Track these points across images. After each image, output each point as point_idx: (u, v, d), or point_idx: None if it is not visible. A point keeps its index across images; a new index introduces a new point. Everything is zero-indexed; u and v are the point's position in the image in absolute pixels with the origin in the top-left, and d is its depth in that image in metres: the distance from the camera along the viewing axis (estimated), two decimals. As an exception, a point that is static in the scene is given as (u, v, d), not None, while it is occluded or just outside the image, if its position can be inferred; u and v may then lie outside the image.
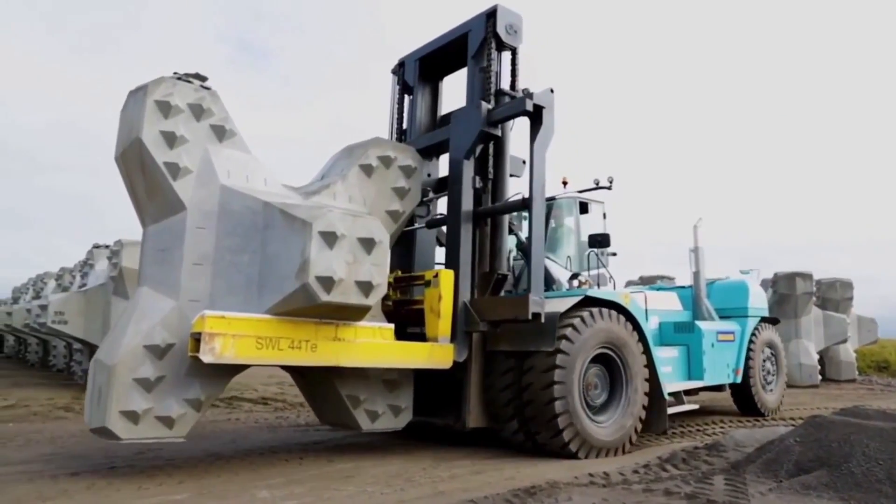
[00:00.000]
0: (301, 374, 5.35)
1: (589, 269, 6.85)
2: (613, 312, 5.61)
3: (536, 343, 5.16)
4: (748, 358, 7.97)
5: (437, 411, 5.81)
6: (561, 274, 6.88)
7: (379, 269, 4.42)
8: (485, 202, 5.72)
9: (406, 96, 6.90)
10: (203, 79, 4.77)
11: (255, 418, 7.65)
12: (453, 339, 5.25)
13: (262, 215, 4.49)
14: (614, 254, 7.41)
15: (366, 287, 4.32)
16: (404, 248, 6.63)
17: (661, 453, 5.09)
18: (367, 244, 4.38)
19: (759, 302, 8.50)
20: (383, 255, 4.47)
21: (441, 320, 5.19)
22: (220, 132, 4.68)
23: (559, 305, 5.31)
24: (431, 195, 6.25)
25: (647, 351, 5.94)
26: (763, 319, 8.55)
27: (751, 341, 8.10)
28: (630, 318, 5.86)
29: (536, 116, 5.34)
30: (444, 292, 5.22)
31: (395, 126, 6.83)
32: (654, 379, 6.02)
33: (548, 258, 7.01)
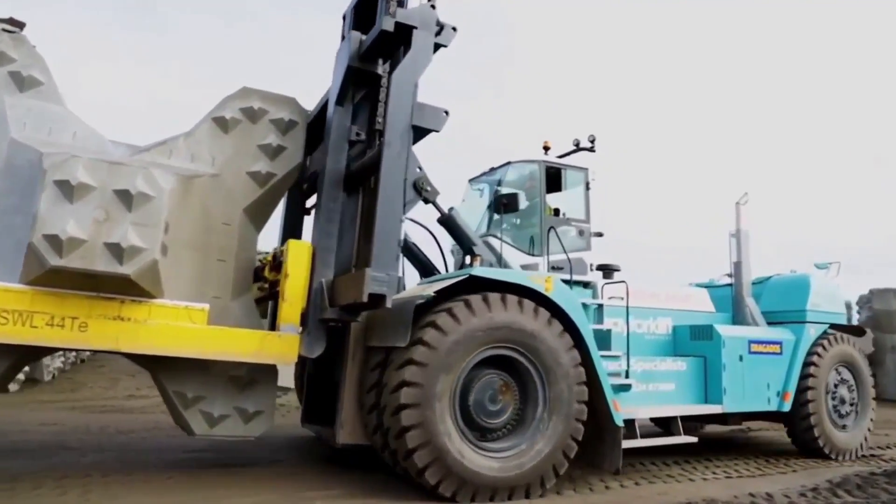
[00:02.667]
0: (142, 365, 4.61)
1: (547, 252, 5.32)
2: (515, 299, 4.11)
3: (392, 337, 3.92)
4: (805, 378, 5.77)
5: (330, 420, 4.76)
6: (515, 258, 5.45)
7: (143, 231, 3.52)
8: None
9: (348, 54, 6.00)
10: (18, 24, 4.26)
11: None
12: (304, 327, 4.19)
13: (39, 169, 3.83)
14: (600, 234, 5.78)
15: (117, 251, 3.45)
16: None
17: (831, 476, 4.73)
18: (127, 199, 3.51)
19: (825, 304, 6.15)
20: (153, 213, 3.57)
21: (285, 303, 4.15)
22: (20, 80, 4.12)
23: (432, 289, 4.01)
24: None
25: (585, 357, 4.36)
26: (835, 328, 6.24)
27: (811, 356, 5.87)
28: (557, 312, 4.32)
29: (404, 39, 4.12)
30: (290, 269, 4.18)
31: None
32: (599, 397, 4.40)
33: (501, 239, 5.64)
